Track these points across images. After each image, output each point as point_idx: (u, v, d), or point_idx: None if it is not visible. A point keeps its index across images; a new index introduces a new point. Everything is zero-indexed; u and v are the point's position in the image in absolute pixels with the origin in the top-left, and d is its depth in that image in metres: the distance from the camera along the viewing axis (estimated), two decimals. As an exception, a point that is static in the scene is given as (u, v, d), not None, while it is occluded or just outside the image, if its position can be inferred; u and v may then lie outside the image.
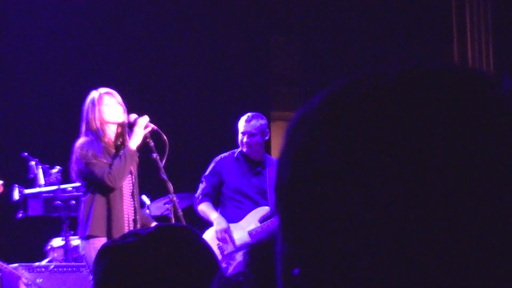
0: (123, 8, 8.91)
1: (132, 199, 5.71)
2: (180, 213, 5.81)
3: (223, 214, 6.63)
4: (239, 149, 6.76)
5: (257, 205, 6.65)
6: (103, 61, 8.73)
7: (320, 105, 0.77)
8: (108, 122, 5.65)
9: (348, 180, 0.72)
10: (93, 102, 5.65)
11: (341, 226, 0.72)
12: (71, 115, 8.20)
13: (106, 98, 5.67)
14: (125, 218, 5.61)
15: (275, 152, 8.98)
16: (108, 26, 8.84)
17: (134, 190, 5.74)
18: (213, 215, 6.56)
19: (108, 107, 5.64)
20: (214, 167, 6.74)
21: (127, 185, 5.70)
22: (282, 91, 9.65)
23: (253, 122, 6.68)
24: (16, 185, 6.70)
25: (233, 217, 6.61)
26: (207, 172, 6.74)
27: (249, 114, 6.74)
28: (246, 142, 6.65)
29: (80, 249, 5.72)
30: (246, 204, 6.65)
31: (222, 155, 6.82)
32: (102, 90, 5.72)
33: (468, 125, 0.71)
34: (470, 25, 8.75)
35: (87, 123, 5.63)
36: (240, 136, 6.69)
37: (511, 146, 0.71)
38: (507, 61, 8.50)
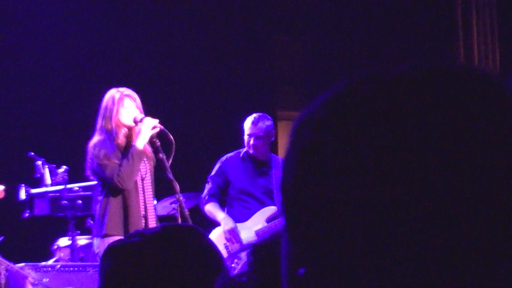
0: (125, 9, 8.90)
1: (143, 196, 5.74)
2: (187, 212, 5.81)
3: (230, 214, 6.62)
4: (245, 149, 6.73)
5: (263, 205, 6.63)
6: (108, 61, 8.73)
7: (325, 105, 0.77)
8: (123, 125, 5.67)
9: (353, 180, 0.72)
10: (113, 101, 5.66)
11: (346, 226, 0.72)
12: (78, 115, 8.22)
13: (126, 101, 5.68)
14: (141, 216, 5.66)
15: (281, 152, 8.96)
16: (110, 26, 8.83)
17: (144, 187, 5.76)
18: (220, 215, 6.55)
19: (126, 110, 5.66)
20: (220, 167, 6.72)
21: (139, 182, 5.73)
22: (287, 91, 9.63)
23: (260, 124, 6.64)
24: (23, 185, 6.70)
25: (240, 217, 6.60)
26: (213, 173, 6.72)
27: (255, 115, 6.70)
28: (252, 144, 6.63)
29: (95, 247, 5.75)
30: (253, 204, 6.63)
31: (228, 155, 6.80)
32: (125, 91, 5.73)
33: (473, 125, 0.71)
34: (476, 25, 8.73)
35: (104, 120, 5.65)
36: (246, 137, 6.66)
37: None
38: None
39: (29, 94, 8.59)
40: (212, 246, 1.87)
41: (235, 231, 6.48)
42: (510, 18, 8.68)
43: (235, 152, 6.80)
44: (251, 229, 6.57)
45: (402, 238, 0.70)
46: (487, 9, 8.72)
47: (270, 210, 6.62)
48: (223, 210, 6.65)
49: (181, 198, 5.77)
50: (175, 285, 1.77)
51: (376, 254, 0.71)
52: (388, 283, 0.71)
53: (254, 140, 6.61)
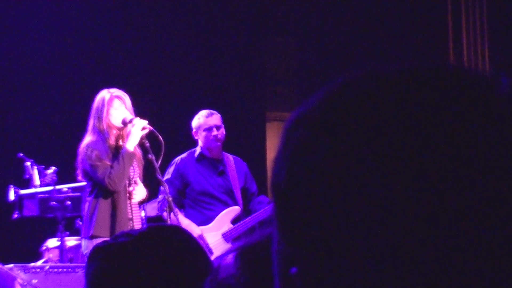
0: (119, 9, 8.89)
1: (129, 198, 5.74)
2: (176, 213, 5.82)
3: (192, 217, 6.44)
4: (198, 150, 6.62)
5: (226, 205, 6.50)
6: (99, 61, 8.72)
7: (318, 105, 0.77)
8: (114, 126, 5.67)
9: (346, 180, 0.72)
10: (103, 102, 5.67)
11: (339, 226, 0.72)
12: (67, 117, 8.21)
13: (115, 102, 5.69)
14: (129, 218, 5.66)
15: (271, 153, 8.97)
16: (104, 27, 8.82)
17: (131, 189, 5.76)
18: (184, 223, 6.26)
19: (116, 111, 5.67)
20: (176, 170, 6.55)
21: (127, 184, 5.74)
22: (278, 92, 9.63)
23: (215, 115, 6.58)
24: (12, 186, 6.68)
25: (203, 219, 6.45)
26: (168, 176, 6.48)
27: (203, 110, 6.62)
28: (216, 135, 6.52)
29: (83, 248, 5.77)
30: (216, 206, 6.48)
31: (181, 156, 6.64)
32: (115, 92, 5.73)
33: (467, 126, 0.71)
34: (466, 25, 8.76)
35: (96, 120, 5.65)
36: (204, 133, 6.54)
37: (510, 146, 0.71)
38: (503, 62, 8.51)
39: (18, 95, 8.57)
40: (200, 248, 1.86)
41: (202, 238, 6.28)
42: (500, 17, 8.71)
43: (187, 153, 6.66)
44: (217, 232, 6.43)
45: (397, 238, 0.70)
46: (477, 8, 8.74)
47: (234, 210, 6.50)
48: (182, 212, 6.50)
49: (170, 199, 5.77)
50: (162, 286, 1.76)
51: (370, 253, 0.71)
52: (382, 282, 0.71)
53: (217, 131, 6.51)
